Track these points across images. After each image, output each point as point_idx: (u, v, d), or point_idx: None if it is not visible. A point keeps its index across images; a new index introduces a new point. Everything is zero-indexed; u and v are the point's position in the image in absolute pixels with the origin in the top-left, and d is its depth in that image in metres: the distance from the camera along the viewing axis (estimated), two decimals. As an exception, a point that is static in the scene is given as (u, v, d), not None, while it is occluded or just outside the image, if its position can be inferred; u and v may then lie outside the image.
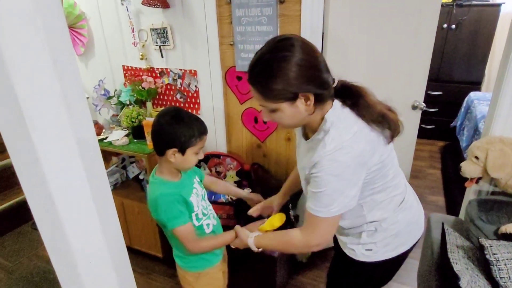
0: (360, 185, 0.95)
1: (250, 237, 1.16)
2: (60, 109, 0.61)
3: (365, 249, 1.11)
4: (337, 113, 0.95)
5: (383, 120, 0.95)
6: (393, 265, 1.19)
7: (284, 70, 0.87)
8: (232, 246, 1.26)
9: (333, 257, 1.40)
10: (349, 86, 0.99)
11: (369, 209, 1.06)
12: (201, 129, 1.19)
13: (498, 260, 1.15)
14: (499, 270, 1.14)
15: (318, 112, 0.95)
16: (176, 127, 1.15)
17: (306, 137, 1.08)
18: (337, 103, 0.97)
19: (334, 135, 0.91)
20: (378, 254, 1.11)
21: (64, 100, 0.61)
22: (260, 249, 1.17)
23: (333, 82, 0.96)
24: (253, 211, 1.44)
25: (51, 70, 0.58)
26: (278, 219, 1.30)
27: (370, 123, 0.95)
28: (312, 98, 0.90)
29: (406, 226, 1.11)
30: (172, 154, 1.17)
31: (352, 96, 0.97)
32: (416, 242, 1.17)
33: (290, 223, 1.91)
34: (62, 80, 0.60)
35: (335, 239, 1.31)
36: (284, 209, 1.90)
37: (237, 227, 1.26)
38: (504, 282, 1.12)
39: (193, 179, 1.36)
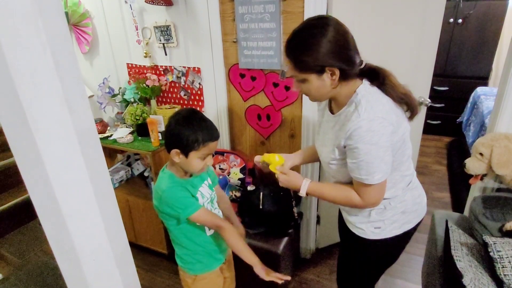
0: (392, 153, 1.03)
1: (306, 180, 1.17)
2: (62, 109, 0.62)
3: (374, 227, 1.18)
4: (367, 88, 1.04)
5: (405, 100, 1.05)
6: (400, 242, 1.25)
7: (315, 45, 0.96)
8: (281, 184, 1.22)
9: (341, 245, 1.45)
10: (376, 69, 1.07)
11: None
12: (207, 136, 1.16)
13: (502, 258, 1.14)
14: (503, 267, 1.13)
15: (344, 87, 1.04)
16: (182, 128, 1.14)
17: (332, 112, 1.16)
18: (366, 81, 1.06)
19: (366, 106, 0.99)
20: (386, 231, 1.18)
21: (65, 100, 0.61)
22: (307, 195, 1.18)
23: (361, 63, 1.04)
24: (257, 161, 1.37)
25: (52, 70, 0.59)
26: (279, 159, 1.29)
27: (395, 100, 1.04)
28: (337, 73, 0.99)
29: (412, 205, 1.19)
30: (176, 155, 1.17)
31: (378, 77, 1.06)
32: (420, 222, 1.25)
33: (293, 220, 1.92)
34: (64, 81, 0.61)
35: (341, 224, 1.37)
36: (287, 206, 1.91)
37: (290, 171, 1.23)
38: (508, 280, 1.12)
39: (203, 181, 1.34)
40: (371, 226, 1.18)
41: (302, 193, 1.18)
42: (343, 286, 1.49)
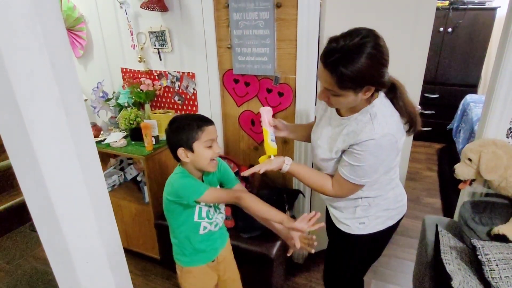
0: (387, 164, 1.11)
1: (288, 160, 1.22)
2: (59, 111, 0.62)
3: (358, 223, 1.26)
4: (383, 101, 1.10)
5: (409, 116, 1.11)
6: (383, 237, 1.33)
7: (361, 65, 0.95)
8: (260, 169, 1.21)
9: (328, 241, 1.51)
10: (394, 82, 1.12)
11: (368, 188, 1.19)
12: (199, 121, 1.23)
13: (490, 261, 1.16)
14: (491, 270, 1.16)
15: (366, 100, 1.09)
16: (176, 129, 1.23)
17: (339, 113, 1.20)
18: (381, 93, 1.11)
19: (381, 121, 1.04)
20: (370, 227, 1.26)
21: (62, 103, 0.62)
22: (287, 171, 1.22)
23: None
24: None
25: (49, 73, 0.60)
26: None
27: (402, 114, 1.10)
28: (373, 90, 1.03)
29: (394, 203, 1.27)
30: (183, 154, 1.22)
31: (395, 92, 1.11)
32: (401, 218, 1.33)
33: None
34: (61, 83, 0.61)
35: (327, 220, 1.43)
36: (280, 210, 1.92)
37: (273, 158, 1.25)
38: (495, 282, 1.14)
39: (214, 185, 1.38)
40: (356, 222, 1.27)
41: (285, 169, 1.21)
42: (330, 283, 1.54)
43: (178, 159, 1.27)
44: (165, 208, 1.33)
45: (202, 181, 1.34)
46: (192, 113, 1.33)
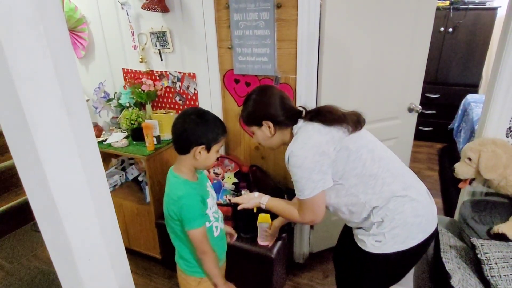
0: (326, 170, 1.17)
1: (265, 197, 1.45)
2: (61, 112, 0.63)
3: (374, 240, 1.19)
4: (298, 126, 1.27)
5: (343, 118, 1.21)
6: (404, 260, 1.23)
7: (252, 106, 1.30)
8: (240, 207, 1.48)
9: (344, 254, 1.49)
10: (313, 109, 1.30)
11: (363, 193, 1.19)
12: (223, 127, 1.29)
13: (489, 259, 1.17)
14: (490, 269, 1.16)
15: (284, 132, 1.31)
16: (203, 125, 1.22)
17: None
18: (300, 120, 1.27)
19: (294, 139, 1.23)
20: (387, 246, 1.17)
21: (64, 103, 0.63)
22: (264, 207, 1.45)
23: (300, 112, 1.30)
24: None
25: (52, 74, 0.61)
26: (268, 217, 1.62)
27: (329, 123, 1.20)
28: (271, 125, 1.28)
29: (413, 217, 1.16)
30: (199, 152, 1.21)
31: (313, 112, 1.27)
32: (429, 238, 1.20)
33: (287, 224, 1.94)
34: (63, 84, 0.62)
35: (347, 234, 1.41)
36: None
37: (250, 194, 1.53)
38: (495, 281, 1.15)
39: (206, 183, 1.40)
40: (372, 239, 1.19)
41: (262, 206, 1.45)
42: None
43: (183, 152, 1.23)
44: (174, 229, 1.31)
45: (197, 177, 1.34)
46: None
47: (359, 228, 1.26)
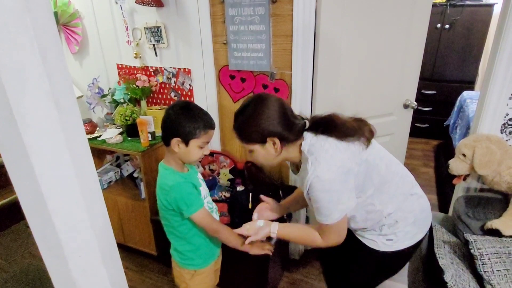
0: (352, 188, 1.09)
1: (274, 225, 1.25)
2: (50, 106, 0.62)
3: (385, 239, 1.20)
4: (308, 142, 1.12)
5: (356, 131, 1.10)
6: (409, 253, 1.26)
7: (254, 120, 1.10)
8: (248, 241, 1.28)
9: (341, 252, 1.41)
10: (318, 119, 1.16)
11: (379, 201, 1.14)
12: (207, 123, 1.22)
13: (482, 255, 1.17)
14: (483, 264, 1.17)
15: (290, 149, 1.15)
16: (182, 117, 1.19)
17: (296, 170, 1.24)
18: (307, 134, 1.13)
19: (312, 160, 1.07)
20: (398, 243, 1.19)
21: (53, 97, 0.62)
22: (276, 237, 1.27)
23: (304, 124, 1.16)
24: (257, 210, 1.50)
25: (40, 67, 0.59)
26: None
27: (343, 138, 1.09)
28: (277, 141, 1.10)
29: (420, 212, 1.22)
30: (176, 144, 1.20)
31: (322, 125, 1.13)
32: (430, 229, 1.27)
33: (282, 221, 1.94)
34: (51, 77, 0.61)
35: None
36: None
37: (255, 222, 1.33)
38: (487, 276, 1.15)
39: (197, 175, 1.40)
40: (382, 238, 1.20)
41: (273, 236, 1.25)
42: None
43: (165, 143, 1.24)
44: (167, 216, 1.31)
45: (187, 169, 1.33)
46: (202, 108, 1.29)
47: (364, 229, 1.23)
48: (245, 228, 1.27)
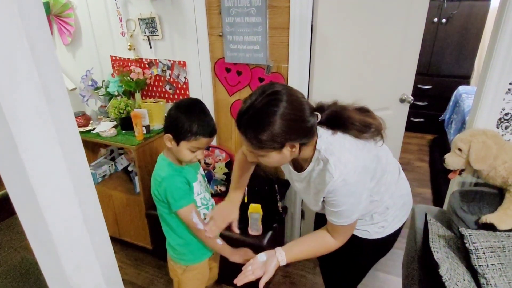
0: (369, 186, 1.06)
1: (279, 253, 1.10)
2: (39, 98, 0.60)
3: (377, 227, 1.21)
4: (325, 140, 1.00)
5: (367, 127, 1.02)
6: (396, 235, 1.28)
7: (272, 124, 0.89)
8: (263, 282, 1.08)
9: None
10: (329, 114, 1.03)
11: (377, 193, 1.12)
12: (202, 130, 1.15)
13: (477, 249, 1.18)
14: (478, 258, 1.17)
15: (304, 150, 1.01)
16: (180, 115, 1.16)
17: (299, 168, 1.13)
18: (321, 130, 1.01)
19: (335, 162, 0.96)
20: (389, 229, 1.22)
21: (42, 88, 0.60)
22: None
23: (317, 119, 0.99)
24: (210, 232, 1.27)
25: (28, 57, 0.57)
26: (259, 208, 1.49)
27: (358, 135, 1.01)
28: (297, 145, 0.96)
29: (407, 195, 1.27)
30: (168, 140, 1.19)
31: (335, 121, 1.02)
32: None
33: (278, 214, 1.94)
34: (40, 67, 0.59)
35: None
36: (272, 200, 1.92)
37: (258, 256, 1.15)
38: (482, 270, 1.16)
39: (197, 170, 1.39)
40: (374, 226, 1.20)
41: (283, 264, 1.10)
42: (331, 283, 1.51)
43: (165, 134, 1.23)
44: (161, 212, 1.31)
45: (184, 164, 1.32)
46: (206, 108, 1.23)
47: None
48: (250, 272, 1.08)
